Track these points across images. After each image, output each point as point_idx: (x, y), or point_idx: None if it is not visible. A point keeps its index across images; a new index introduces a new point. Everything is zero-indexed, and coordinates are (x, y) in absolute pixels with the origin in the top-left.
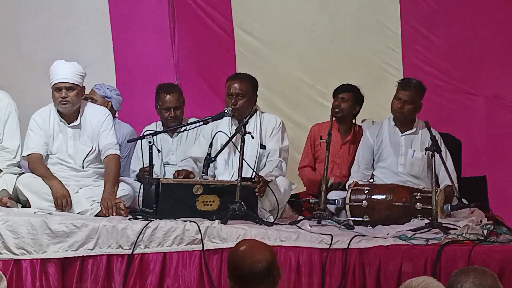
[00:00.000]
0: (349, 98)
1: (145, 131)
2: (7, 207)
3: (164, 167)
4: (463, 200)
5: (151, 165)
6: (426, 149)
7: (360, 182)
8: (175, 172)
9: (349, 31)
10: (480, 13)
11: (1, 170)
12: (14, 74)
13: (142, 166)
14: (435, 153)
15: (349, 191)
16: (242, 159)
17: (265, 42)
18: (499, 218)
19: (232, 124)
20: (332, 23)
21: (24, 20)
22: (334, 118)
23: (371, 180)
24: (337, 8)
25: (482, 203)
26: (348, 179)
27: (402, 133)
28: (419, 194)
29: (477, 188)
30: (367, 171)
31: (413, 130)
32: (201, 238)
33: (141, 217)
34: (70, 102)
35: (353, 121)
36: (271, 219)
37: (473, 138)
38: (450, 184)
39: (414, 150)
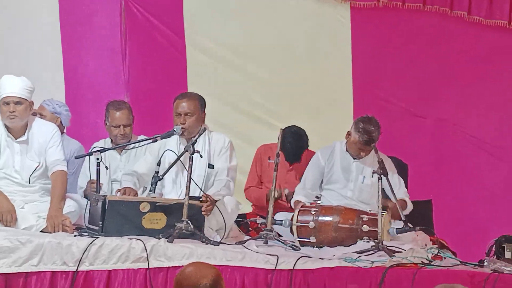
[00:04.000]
0: (298, 138)
1: (93, 147)
2: None
3: (111, 184)
4: (409, 223)
5: (98, 182)
6: (373, 172)
7: (304, 200)
8: (118, 190)
9: (302, 54)
10: (427, 39)
11: None
12: None
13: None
14: (382, 176)
15: (297, 212)
16: (190, 177)
17: (218, 61)
18: (443, 242)
19: (180, 143)
20: (286, 46)
21: None
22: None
23: (319, 202)
24: (290, 31)
25: (427, 227)
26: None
27: (354, 159)
28: (365, 216)
29: (423, 211)
30: (312, 191)
31: (365, 156)
32: (147, 256)
33: (87, 234)
34: (18, 116)
35: None
36: (218, 239)
37: (419, 162)
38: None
39: (364, 177)
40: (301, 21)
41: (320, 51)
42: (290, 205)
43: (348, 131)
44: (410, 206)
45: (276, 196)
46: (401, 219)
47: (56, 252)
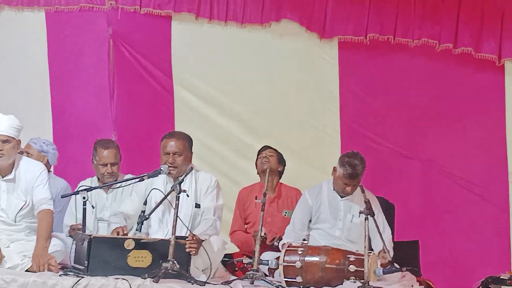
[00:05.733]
0: (274, 154)
1: (80, 186)
2: None
3: (97, 223)
4: (395, 264)
5: (84, 220)
6: (360, 212)
7: (294, 243)
8: (114, 230)
9: (289, 92)
10: (416, 81)
11: None
12: None
13: (75, 221)
14: (369, 216)
15: (283, 252)
16: (176, 217)
17: (205, 99)
18: (430, 283)
19: (167, 182)
20: (272, 84)
21: None
22: (261, 177)
23: (305, 242)
24: (277, 69)
25: (414, 268)
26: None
27: (341, 198)
28: (352, 256)
29: (409, 252)
30: (302, 231)
31: (352, 195)
32: None
33: (72, 273)
34: (5, 155)
35: (278, 180)
36: (204, 278)
37: (407, 202)
38: (384, 250)
39: (353, 215)
40: (288, 59)
41: (307, 89)
42: (275, 248)
43: (334, 167)
44: (390, 255)
45: (261, 241)
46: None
47: None
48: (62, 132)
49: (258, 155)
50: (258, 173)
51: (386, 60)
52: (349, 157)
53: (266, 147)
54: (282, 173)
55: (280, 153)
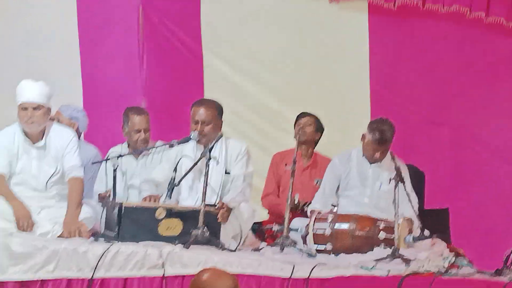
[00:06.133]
0: (312, 123)
1: (110, 153)
2: None
3: (128, 189)
4: (425, 231)
5: (114, 187)
6: (391, 179)
7: (322, 209)
8: (144, 198)
9: (318, 61)
10: (445, 47)
11: None
12: None
13: (105, 188)
14: (399, 183)
15: (313, 219)
16: (206, 184)
17: (234, 67)
18: (460, 251)
19: (197, 149)
20: (301, 52)
21: None
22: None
23: (335, 208)
24: (306, 37)
25: (444, 235)
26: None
27: (370, 164)
28: (382, 223)
29: (439, 220)
30: (330, 197)
31: (382, 162)
32: (163, 264)
33: (103, 240)
34: (36, 122)
35: (314, 148)
36: (234, 246)
37: (436, 169)
38: (409, 217)
39: (381, 183)
40: (318, 26)
41: (337, 57)
42: (306, 214)
43: (363, 134)
44: (416, 225)
45: (294, 207)
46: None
47: (71, 259)
48: (92, 99)
49: (296, 121)
50: (295, 137)
51: (415, 26)
52: (378, 123)
53: (304, 115)
54: (319, 140)
55: (318, 120)
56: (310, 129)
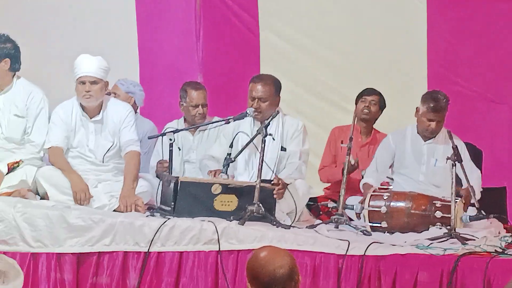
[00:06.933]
0: (377, 102)
1: (166, 128)
2: (26, 198)
3: (184, 164)
4: (482, 211)
5: (171, 163)
6: (448, 158)
7: (373, 183)
8: (210, 171)
9: (375, 37)
10: (504, 25)
11: (22, 161)
12: (41, 69)
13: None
14: (456, 162)
15: (368, 197)
16: (262, 160)
17: (291, 43)
18: None
19: (254, 125)
20: (359, 29)
21: (51, 16)
22: (356, 120)
23: (390, 187)
24: (364, 13)
25: (501, 215)
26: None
27: (424, 141)
28: (438, 202)
29: (496, 199)
30: (383, 174)
31: (436, 138)
32: (218, 239)
33: (158, 214)
34: (94, 96)
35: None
36: (289, 222)
37: (494, 148)
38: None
39: (436, 159)
40: (375, 3)
41: (394, 34)
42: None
43: (417, 107)
44: (477, 195)
45: (351, 168)
46: (473, 206)
47: (128, 232)
48: (149, 74)
49: (360, 97)
50: (355, 113)
51: (474, 3)
52: (431, 93)
53: (370, 92)
54: (378, 117)
55: (383, 98)
56: (375, 108)
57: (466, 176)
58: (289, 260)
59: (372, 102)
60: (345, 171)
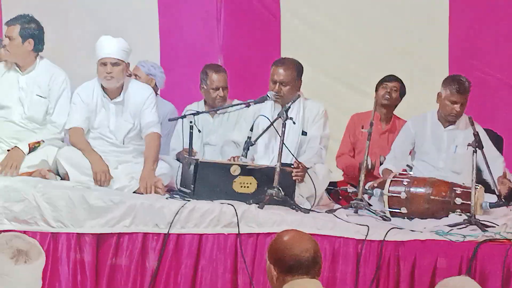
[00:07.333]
0: (398, 89)
1: (187, 110)
2: (46, 179)
3: (204, 147)
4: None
5: (191, 145)
6: (468, 145)
7: (393, 169)
8: (232, 157)
9: (396, 21)
10: None
11: (43, 141)
12: (63, 51)
13: (181, 145)
14: (477, 149)
15: (388, 182)
16: (282, 144)
17: (312, 26)
18: None
19: (274, 108)
20: (380, 12)
21: None
22: (376, 107)
23: (410, 173)
24: None
25: None
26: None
27: (445, 127)
28: (459, 189)
29: None
30: (402, 160)
31: (456, 125)
32: (237, 222)
33: (178, 196)
34: (115, 77)
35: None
36: (308, 206)
37: None
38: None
39: (457, 146)
40: None
41: (416, 19)
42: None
43: (438, 93)
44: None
45: (369, 167)
46: (494, 193)
47: (148, 214)
48: (169, 56)
49: (381, 83)
50: (375, 99)
51: None
52: (453, 76)
53: (392, 78)
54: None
55: (403, 84)
56: (396, 94)
57: (487, 162)
58: (314, 244)
59: (393, 88)
60: (365, 156)
